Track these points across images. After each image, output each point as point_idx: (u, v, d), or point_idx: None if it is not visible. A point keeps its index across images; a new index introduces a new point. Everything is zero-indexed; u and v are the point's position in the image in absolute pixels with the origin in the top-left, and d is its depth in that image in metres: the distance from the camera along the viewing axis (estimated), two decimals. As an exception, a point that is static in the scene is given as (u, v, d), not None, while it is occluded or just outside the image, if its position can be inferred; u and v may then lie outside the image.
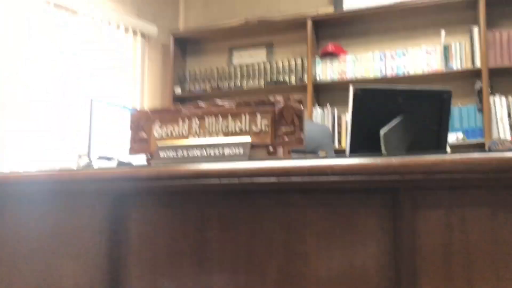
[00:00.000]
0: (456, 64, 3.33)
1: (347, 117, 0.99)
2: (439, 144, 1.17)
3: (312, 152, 1.78)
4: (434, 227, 0.85)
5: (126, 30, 3.83)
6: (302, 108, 0.99)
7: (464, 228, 0.83)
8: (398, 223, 0.87)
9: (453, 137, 3.19)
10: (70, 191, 1.03)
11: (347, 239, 0.91)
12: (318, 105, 3.74)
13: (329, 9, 3.80)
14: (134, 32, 3.90)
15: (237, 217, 1.00)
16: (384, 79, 3.47)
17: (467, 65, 3.31)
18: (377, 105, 1.07)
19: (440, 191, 0.85)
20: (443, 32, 3.33)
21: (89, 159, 1.89)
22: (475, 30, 3.27)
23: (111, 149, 2.02)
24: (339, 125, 3.59)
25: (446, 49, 3.35)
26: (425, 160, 0.70)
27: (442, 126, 1.11)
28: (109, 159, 1.42)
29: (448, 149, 1.39)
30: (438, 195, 0.85)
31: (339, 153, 3.12)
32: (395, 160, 0.72)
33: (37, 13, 3.13)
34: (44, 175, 0.89)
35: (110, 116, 2.03)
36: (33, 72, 3.08)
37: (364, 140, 1.12)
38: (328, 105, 3.66)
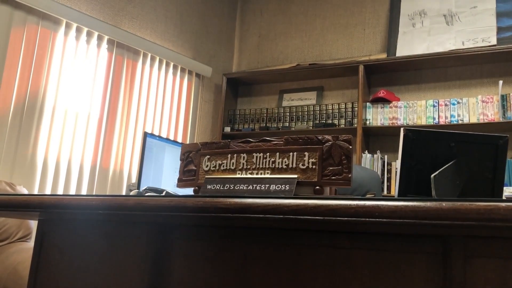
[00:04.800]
0: (515, 115, 3.22)
1: (397, 164, 0.97)
2: (494, 194, 1.12)
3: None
4: (487, 279, 0.80)
5: (183, 70, 4.00)
6: (351, 147, 0.98)
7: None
8: (448, 272, 0.83)
9: (510, 190, 3.04)
10: (119, 217, 1.06)
11: (392, 287, 0.88)
12: (368, 150, 3.68)
13: (382, 56, 3.81)
14: (190, 72, 4.07)
15: (280, 255, 0.98)
16: (437, 126, 3.39)
17: (527, 116, 3.19)
18: (428, 149, 1.05)
19: (495, 240, 0.81)
20: (500, 82, 3.24)
21: (139, 190, 1.94)
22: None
23: (161, 182, 2.07)
24: (389, 171, 3.51)
25: (504, 98, 3.25)
26: (477, 205, 0.67)
27: (497, 174, 1.06)
28: (158, 191, 1.45)
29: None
30: (493, 244, 0.81)
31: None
32: (445, 204, 0.70)
33: (103, 53, 3.34)
34: (96, 199, 0.93)
35: (162, 150, 2.10)
36: (93, 104, 3.25)
37: (413, 184, 1.09)
38: (378, 151, 3.60)
